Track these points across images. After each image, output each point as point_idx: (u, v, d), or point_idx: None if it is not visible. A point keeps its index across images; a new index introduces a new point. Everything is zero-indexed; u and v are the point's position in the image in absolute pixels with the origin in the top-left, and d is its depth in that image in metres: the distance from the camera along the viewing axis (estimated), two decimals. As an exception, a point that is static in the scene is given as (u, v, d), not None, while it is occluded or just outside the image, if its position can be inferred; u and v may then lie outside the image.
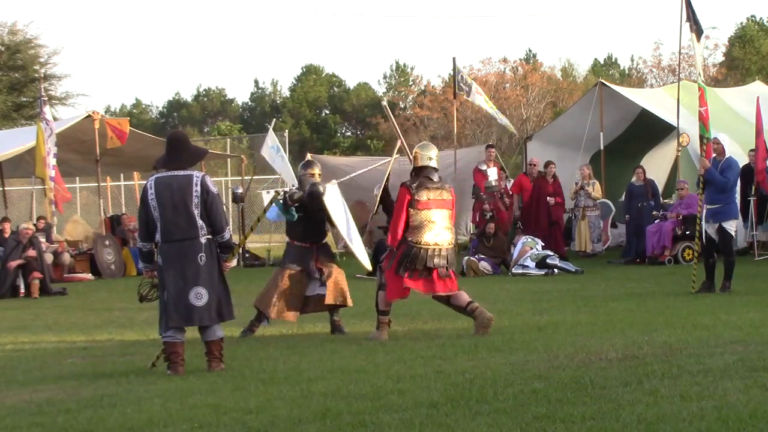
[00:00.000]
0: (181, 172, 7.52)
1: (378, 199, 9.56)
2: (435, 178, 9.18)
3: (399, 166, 26.53)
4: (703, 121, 12.47)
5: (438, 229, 9.02)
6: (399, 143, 9.99)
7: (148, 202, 7.49)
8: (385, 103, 11.26)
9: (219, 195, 7.77)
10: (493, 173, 18.65)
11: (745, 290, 12.05)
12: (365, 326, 10.24)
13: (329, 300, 9.67)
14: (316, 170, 10.09)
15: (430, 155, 9.28)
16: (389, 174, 9.66)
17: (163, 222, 7.44)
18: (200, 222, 7.44)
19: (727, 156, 12.07)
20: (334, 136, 59.72)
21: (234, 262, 8.06)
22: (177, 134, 8.06)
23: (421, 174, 9.17)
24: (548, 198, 18.58)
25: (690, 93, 17.71)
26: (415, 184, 9.07)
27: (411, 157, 9.50)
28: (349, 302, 9.82)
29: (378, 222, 21.32)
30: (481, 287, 14.47)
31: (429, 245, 8.94)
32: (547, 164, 19.03)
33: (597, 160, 20.43)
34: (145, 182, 7.72)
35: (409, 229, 9.00)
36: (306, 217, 9.69)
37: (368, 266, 10.36)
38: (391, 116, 11.03)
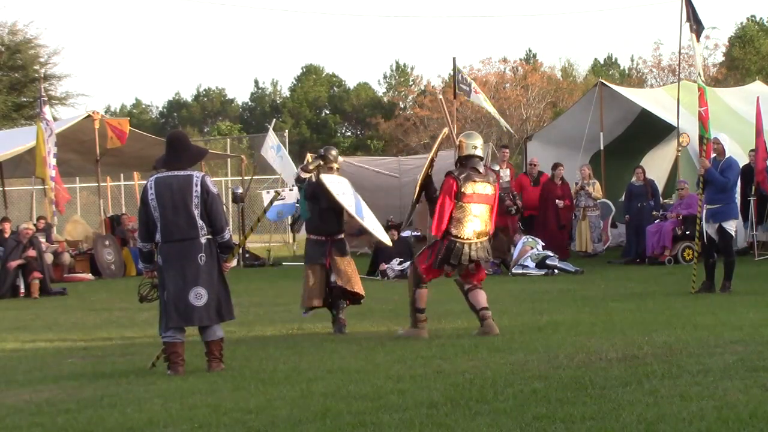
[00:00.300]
0: (181, 173, 7.51)
1: (418, 186, 9.36)
2: (481, 168, 9.04)
3: (399, 166, 26.44)
4: (703, 122, 12.47)
5: (478, 223, 8.94)
6: (446, 131, 9.98)
7: (148, 202, 7.49)
8: (441, 96, 11.72)
9: (219, 195, 7.77)
10: (506, 174, 18.62)
11: (745, 290, 12.05)
12: (365, 326, 10.25)
13: (346, 295, 9.93)
14: (335, 165, 10.23)
15: (475, 144, 9.10)
16: (432, 160, 9.44)
17: (163, 222, 7.44)
18: (200, 222, 7.44)
19: (727, 156, 12.08)
20: (334, 136, 59.69)
21: (234, 263, 8.06)
22: (177, 134, 8.06)
23: (467, 164, 9.01)
24: (557, 201, 18.41)
25: (690, 93, 17.70)
26: (463, 176, 8.93)
27: (456, 146, 9.44)
28: (361, 292, 10.02)
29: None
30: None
31: (471, 239, 8.89)
32: (556, 166, 18.82)
33: (597, 160, 20.43)
34: (145, 182, 7.72)
35: (453, 222, 8.90)
36: (320, 211, 9.85)
37: (387, 241, 10.57)
38: (445, 108, 11.57)
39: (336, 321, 9.88)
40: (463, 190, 8.87)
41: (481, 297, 9.10)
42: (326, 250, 9.89)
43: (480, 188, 8.97)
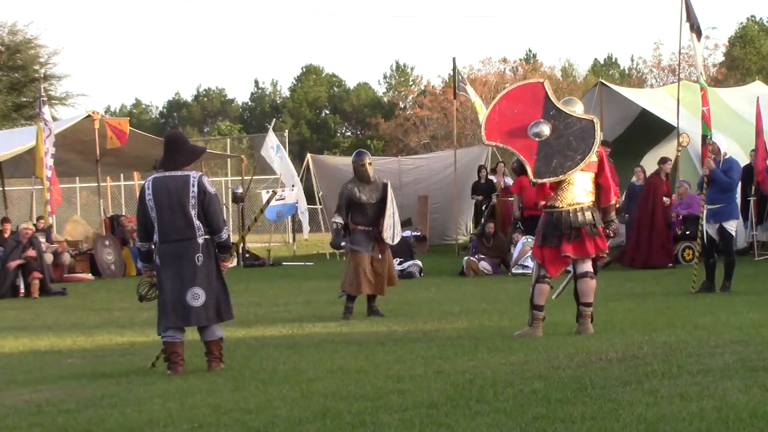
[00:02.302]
0: (179, 173, 7.51)
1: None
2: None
3: (399, 165, 26.47)
4: (706, 121, 12.48)
5: (576, 190, 8.60)
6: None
7: (146, 202, 7.50)
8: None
9: (217, 195, 7.75)
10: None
11: (745, 290, 12.06)
12: (365, 326, 10.25)
13: (384, 288, 11.03)
14: (367, 160, 11.11)
15: (574, 110, 8.80)
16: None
17: (160, 222, 7.44)
18: (197, 222, 7.44)
19: (726, 156, 12.09)
20: (334, 136, 59.74)
21: (233, 262, 8.07)
22: (174, 134, 8.10)
23: None
24: (664, 198, 17.06)
25: (690, 93, 17.73)
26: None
27: None
28: (397, 282, 11.41)
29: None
30: (481, 287, 14.48)
31: (569, 206, 8.57)
32: (664, 161, 17.39)
33: (597, 160, 20.39)
34: (144, 182, 7.73)
35: (550, 194, 8.63)
36: (361, 203, 10.96)
37: (390, 240, 11.14)
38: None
39: (371, 309, 11.07)
40: None
41: (591, 287, 8.68)
42: (376, 239, 10.95)
43: None
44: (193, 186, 7.44)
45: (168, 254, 7.45)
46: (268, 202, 9.42)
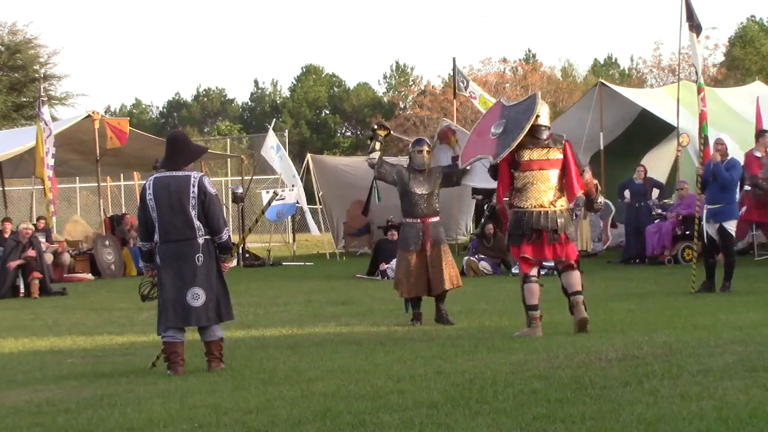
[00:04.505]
0: (179, 173, 7.51)
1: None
2: (544, 136, 8.74)
3: (399, 162, 26.47)
4: (704, 120, 12.46)
5: (543, 191, 8.66)
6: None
7: (147, 202, 7.51)
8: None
9: (218, 196, 7.75)
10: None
11: (745, 290, 12.05)
12: (365, 326, 10.25)
13: (447, 285, 10.02)
14: (425, 147, 10.39)
15: (539, 112, 8.77)
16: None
17: (160, 222, 7.45)
18: (197, 223, 7.44)
19: (729, 157, 12.10)
20: (334, 136, 59.76)
21: (233, 262, 8.07)
22: (175, 134, 8.08)
23: (528, 133, 8.68)
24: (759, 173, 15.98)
25: (690, 93, 17.70)
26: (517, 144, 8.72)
27: None
28: (459, 282, 10.17)
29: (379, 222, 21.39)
30: (481, 287, 14.47)
31: (533, 207, 8.63)
32: (762, 133, 16.34)
33: (597, 160, 20.42)
34: (144, 182, 7.74)
35: (514, 193, 8.72)
36: (408, 193, 10.14)
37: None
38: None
39: (439, 314, 10.10)
40: (517, 158, 8.67)
41: (575, 278, 8.71)
42: (422, 235, 10.06)
43: (539, 154, 8.70)
44: (194, 186, 7.44)
45: (168, 254, 7.46)
46: (269, 203, 9.41)
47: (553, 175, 8.74)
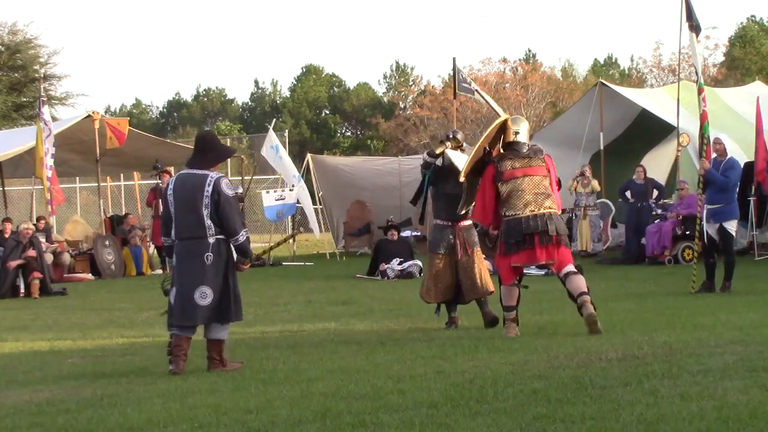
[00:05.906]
0: (199, 171, 7.58)
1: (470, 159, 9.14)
2: (524, 149, 8.87)
3: (399, 165, 26.46)
4: (705, 120, 12.44)
5: (530, 195, 8.72)
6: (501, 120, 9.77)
7: (168, 197, 7.62)
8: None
9: (235, 198, 7.74)
10: None
11: (745, 290, 12.05)
12: (365, 326, 10.24)
13: (477, 294, 9.65)
14: (456, 142, 10.08)
15: (517, 129, 8.94)
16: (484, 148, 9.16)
17: (176, 219, 7.57)
18: (208, 222, 7.47)
19: (728, 156, 12.09)
20: (334, 136, 59.74)
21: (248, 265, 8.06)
22: (204, 134, 8.29)
23: (508, 149, 8.89)
24: None
25: (690, 93, 17.69)
26: (497, 157, 8.86)
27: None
28: (491, 287, 9.67)
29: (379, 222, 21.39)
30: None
31: (523, 213, 8.67)
32: None
33: (597, 160, 20.44)
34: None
35: (502, 204, 8.78)
36: (445, 196, 9.74)
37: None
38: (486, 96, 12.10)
39: (485, 317, 9.69)
40: (500, 169, 8.77)
41: (579, 281, 8.67)
42: (453, 238, 9.72)
43: (522, 163, 8.79)
44: (209, 185, 7.48)
45: (181, 251, 7.57)
46: (287, 239, 9.31)
47: (539, 180, 8.82)
